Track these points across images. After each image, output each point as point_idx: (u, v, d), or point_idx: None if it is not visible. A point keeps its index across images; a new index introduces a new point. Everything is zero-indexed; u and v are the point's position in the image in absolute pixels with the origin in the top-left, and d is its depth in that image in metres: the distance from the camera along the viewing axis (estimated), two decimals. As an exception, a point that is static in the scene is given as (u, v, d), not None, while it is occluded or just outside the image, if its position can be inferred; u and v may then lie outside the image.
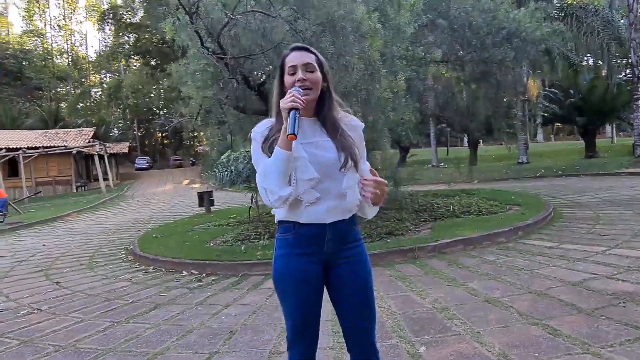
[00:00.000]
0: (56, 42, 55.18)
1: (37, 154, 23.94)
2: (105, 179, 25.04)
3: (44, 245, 8.95)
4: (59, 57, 54.79)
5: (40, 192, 23.14)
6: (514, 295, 3.78)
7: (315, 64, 1.70)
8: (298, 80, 1.65)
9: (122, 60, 46.44)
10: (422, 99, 9.50)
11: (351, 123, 1.78)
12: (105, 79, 51.81)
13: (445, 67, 9.75)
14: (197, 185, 22.92)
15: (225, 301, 4.38)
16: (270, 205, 1.65)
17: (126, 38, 41.67)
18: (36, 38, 51.58)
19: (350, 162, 1.66)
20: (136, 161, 42.50)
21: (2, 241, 10.09)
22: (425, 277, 4.59)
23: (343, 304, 1.76)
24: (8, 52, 41.00)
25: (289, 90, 1.61)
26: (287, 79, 1.69)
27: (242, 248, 6.09)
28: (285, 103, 1.56)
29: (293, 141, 1.58)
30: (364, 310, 1.76)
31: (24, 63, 42.70)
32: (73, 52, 56.46)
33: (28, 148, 24.59)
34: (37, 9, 54.65)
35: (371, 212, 1.83)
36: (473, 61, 8.52)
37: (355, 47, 4.36)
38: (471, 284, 4.20)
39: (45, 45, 52.28)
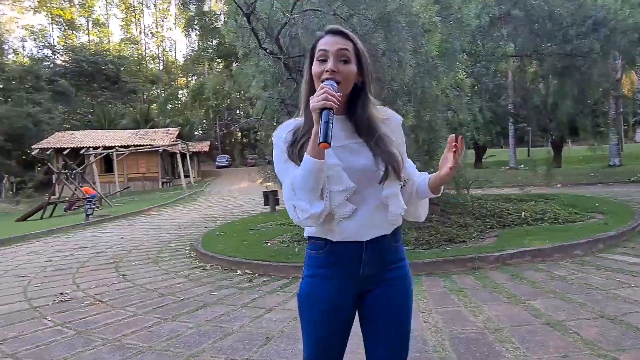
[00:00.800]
0: (149, 48, 59.63)
1: (128, 152, 25.99)
2: (187, 176, 26.54)
3: (122, 238, 9.59)
4: (151, 62, 59.16)
5: (129, 187, 25.01)
6: (582, 320, 3.32)
7: (353, 53, 1.40)
8: (326, 71, 1.35)
9: (206, 63, 48.98)
10: (495, 95, 8.86)
11: (388, 119, 1.49)
12: (191, 81, 54.97)
13: (519, 62, 8.99)
14: (269, 184, 23.50)
15: (270, 305, 4.34)
16: (301, 224, 1.41)
17: (209, 43, 43.90)
18: (132, 45, 56.09)
19: (391, 173, 1.39)
20: (217, 159, 44.57)
21: (88, 233, 10.98)
22: (483, 291, 4.21)
23: (372, 337, 1.51)
24: (107, 58, 44.89)
25: (321, 85, 1.31)
26: (316, 67, 1.39)
27: (296, 250, 6.04)
28: (316, 101, 1.26)
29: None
30: (395, 346, 1.49)
31: (121, 68, 46.53)
32: (164, 57, 60.70)
33: (121, 146, 26.80)
34: (133, 19, 59.38)
35: (424, 209, 1.57)
36: (554, 55, 7.76)
37: (410, 43, 4.10)
38: (533, 303, 3.77)
39: (139, 52, 56.70)
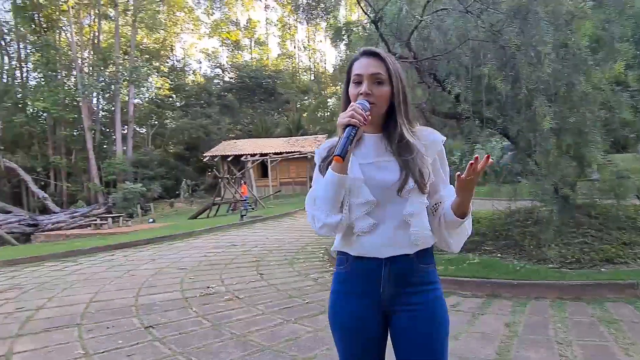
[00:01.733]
0: (302, 61, 63.63)
1: (280, 159, 28.13)
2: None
3: (267, 238, 10.38)
4: (304, 73, 63.15)
5: (280, 190, 26.96)
6: None
7: (386, 75, 1.43)
8: (360, 94, 1.40)
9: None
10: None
11: (428, 138, 1.45)
12: (339, 89, 57.20)
13: None
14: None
15: (389, 316, 4.23)
16: (317, 233, 1.45)
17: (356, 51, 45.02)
18: (287, 59, 60.61)
19: (410, 182, 1.34)
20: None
21: (242, 232, 12.14)
22: (643, 326, 3.49)
23: None
24: (266, 73, 49.23)
25: (352, 103, 1.38)
26: (352, 89, 1.45)
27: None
28: (342, 117, 1.34)
29: (349, 163, 1.36)
30: None
31: (277, 81, 50.59)
32: (315, 68, 64.25)
33: (274, 154, 29.13)
34: (289, 35, 64.15)
35: (456, 239, 1.47)
36: None
37: (550, 35, 3.58)
38: None
39: (293, 65, 60.97)
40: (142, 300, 5.38)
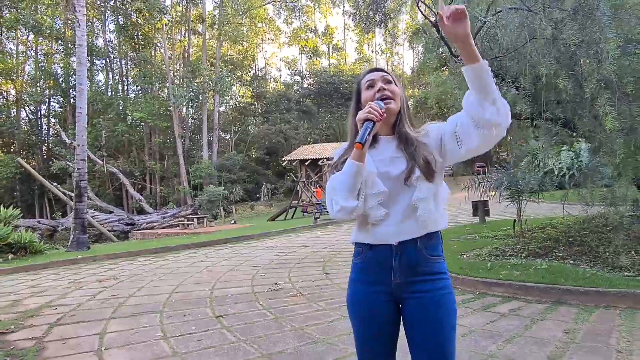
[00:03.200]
0: (379, 65, 63.50)
1: (356, 162, 28.40)
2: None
3: (337, 240, 10.63)
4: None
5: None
6: None
7: (393, 80, 1.67)
8: (378, 91, 1.61)
9: (431, 73, 49.38)
10: None
11: (425, 129, 1.63)
12: (416, 92, 56.22)
13: None
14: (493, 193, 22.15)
15: (445, 317, 4.25)
16: (334, 216, 1.60)
17: (435, 52, 44.07)
18: (364, 63, 60.74)
19: (417, 172, 1.50)
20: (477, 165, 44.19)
21: (313, 234, 12.52)
22: None
23: (412, 350, 1.56)
24: (343, 78, 49.83)
25: (369, 103, 1.55)
26: (365, 94, 1.66)
27: (489, 265, 5.68)
28: (361, 113, 1.51)
29: (366, 156, 1.54)
30: None
31: (354, 86, 50.99)
32: (393, 71, 63.78)
33: (350, 157, 29.47)
34: (366, 40, 64.29)
35: (483, 95, 1.39)
36: None
37: (611, 31, 3.40)
38: None
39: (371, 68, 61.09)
40: (216, 293, 5.86)
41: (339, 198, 1.53)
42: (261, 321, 4.50)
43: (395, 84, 1.66)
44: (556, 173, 17.79)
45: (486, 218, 10.59)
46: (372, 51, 64.98)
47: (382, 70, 1.70)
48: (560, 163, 16.98)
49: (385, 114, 1.53)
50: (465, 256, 6.61)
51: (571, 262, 5.51)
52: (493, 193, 7.36)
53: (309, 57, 58.91)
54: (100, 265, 9.12)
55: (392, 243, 1.54)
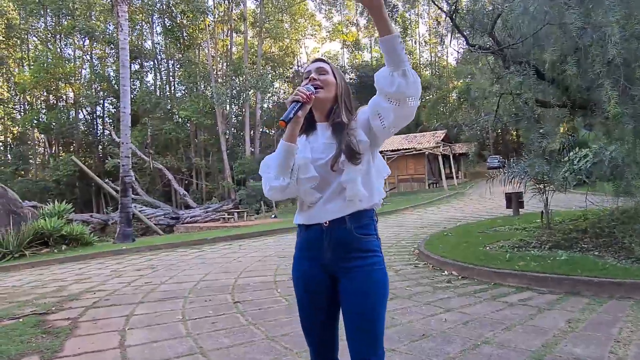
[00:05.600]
0: (422, 56, 62.28)
1: (396, 156, 28.14)
2: (450, 177, 26.72)
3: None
4: (425, 68, 61.72)
5: (394, 187, 26.94)
6: None
7: (329, 70, 1.75)
8: (309, 80, 1.71)
9: (473, 64, 47.90)
10: None
11: (358, 113, 1.72)
12: (460, 83, 54.79)
13: None
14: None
15: (452, 306, 4.29)
16: (267, 195, 1.72)
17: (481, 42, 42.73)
18: (408, 55, 59.89)
19: (342, 157, 1.60)
20: (488, 160, 43.00)
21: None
22: None
23: (344, 319, 1.68)
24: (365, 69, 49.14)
25: (297, 87, 1.66)
26: (302, 83, 1.73)
27: (507, 256, 5.61)
28: (290, 97, 1.61)
29: (302, 139, 1.70)
30: (359, 332, 1.61)
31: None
32: (438, 62, 62.35)
33: (391, 151, 29.24)
34: (409, 31, 63.20)
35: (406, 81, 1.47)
36: None
37: (615, 13, 3.27)
38: None
39: (414, 60, 59.92)
40: (240, 282, 6.14)
41: (271, 176, 1.66)
42: (275, 307, 4.71)
43: (334, 74, 1.74)
44: (606, 163, 16.96)
45: (520, 210, 10.31)
46: (416, 42, 63.82)
47: (320, 60, 1.78)
48: (607, 152, 16.15)
49: (313, 96, 1.62)
50: (488, 247, 6.54)
51: (595, 253, 5.35)
52: (519, 184, 7.19)
53: (351, 51, 58.74)
54: (141, 255, 9.69)
55: (321, 222, 1.66)
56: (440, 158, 27.47)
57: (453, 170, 29.23)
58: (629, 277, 4.17)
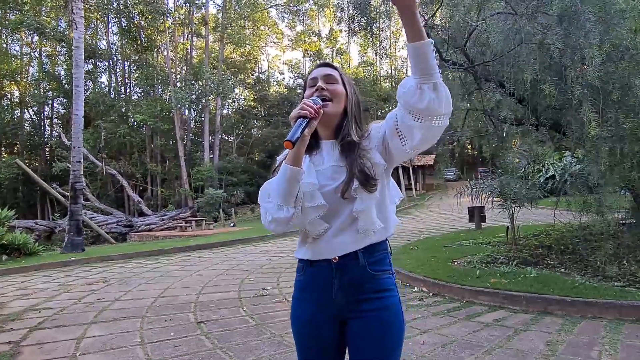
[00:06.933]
0: (382, 68, 63.45)
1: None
2: (410, 189, 27.14)
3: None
4: (386, 81, 62.87)
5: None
6: None
7: (339, 79, 1.50)
8: (316, 90, 1.46)
9: (443, 79, 49.17)
10: None
11: (370, 131, 1.48)
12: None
13: None
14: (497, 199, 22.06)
15: (427, 327, 4.17)
16: (268, 228, 1.47)
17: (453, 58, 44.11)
18: (368, 67, 60.78)
19: (355, 183, 1.36)
20: (445, 172, 44.10)
21: (309, 238, 12.43)
22: None
23: None
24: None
25: (303, 100, 1.42)
26: (307, 93, 1.50)
27: (477, 272, 5.59)
28: (294, 111, 1.37)
29: (304, 166, 1.42)
30: None
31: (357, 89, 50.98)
32: (397, 75, 63.68)
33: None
34: (370, 44, 64.29)
35: (437, 99, 1.24)
36: None
37: (594, 36, 3.31)
38: None
39: (375, 72, 60.96)
40: (202, 298, 5.80)
41: (273, 207, 1.41)
42: (242, 328, 4.43)
43: (344, 83, 1.50)
44: (558, 179, 17.66)
45: (482, 224, 10.49)
46: (376, 54, 64.92)
47: (328, 65, 1.54)
48: (562, 169, 16.86)
49: (321, 110, 1.38)
50: (456, 263, 6.52)
51: (562, 270, 5.42)
52: (485, 199, 7.26)
53: (313, 60, 58.97)
54: (92, 267, 9.08)
55: (330, 258, 1.43)
56: (400, 169, 27.87)
57: (412, 181, 29.72)
58: (600, 297, 4.21)
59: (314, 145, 1.49)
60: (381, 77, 61.60)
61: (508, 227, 7.23)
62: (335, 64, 1.61)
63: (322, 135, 1.51)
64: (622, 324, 3.84)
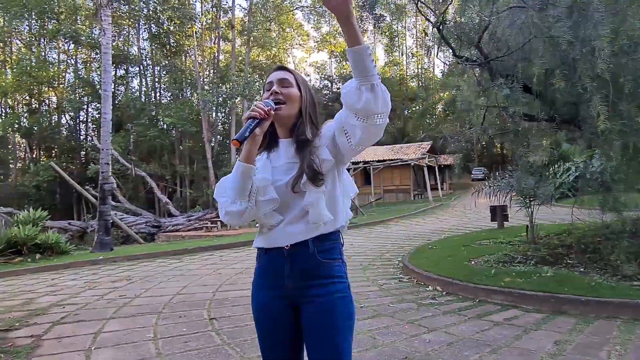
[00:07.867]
0: (409, 68, 62.83)
1: (382, 166, 28.12)
2: (435, 189, 26.78)
3: (351, 244, 10.54)
4: (412, 80, 62.23)
5: (381, 198, 26.90)
6: None
7: (293, 82, 1.59)
8: (271, 94, 1.55)
9: (459, 76, 48.44)
10: None
11: (322, 129, 1.57)
12: (446, 95, 55.32)
13: None
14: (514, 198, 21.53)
15: (436, 325, 4.14)
16: (223, 221, 1.59)
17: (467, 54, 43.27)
18: (394, 67, 60.30)
19: (304, 178, 1.46)
20: (473, 172, 43.32)
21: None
22: None
23: (308, 354, 1.53)
24: (372, 82, 49.62)
25: (255, 102, 1.56)
26: (264, 96, 1.59)
27: (492, 271, 5.49)
28: (246, 113, 1.46)
29: (262, 157, 1.57)
30: None
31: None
32: (424, 74, 62.92)
33: (377, 161, 29.21)
34: (396, 43, 63.78)
35: (375, 100, 1.34)
36: None
37: (604, 28, 3.21)
38: None
39: (401, 72, 60.42)
40: (218, 296, 5.92)
41: (227, 201, 1.52)
42: (252, 325, 4.46)
43: (298, 86, 1.59)
44: (587, 177, 17.11)
45: (505, 223, 10.27)
46: (402, 54, 64.35)
47: (283, 69, 1.63)
48: (592, 167, 16.31)
49: (272, 112, 1.47)
50: (473, 262, 6.42)
51: (581, 269, 5.26)
52: (503, 197, 7.11)
53: (339, 61, 58.97)
54: (118, 266, 9.38)
55: (283, 246, 1.52)
56: (425, 169, 27.55)
57: (438, 181, 29.32)
58: (616, 296, 4.08)
59: (273, 143, 1.61)
60: (407, 77, 61.02)
61: (527, 226, 7.06)
62: (290, 66, 1.69)
63: (280, 134, 1.62)
64: (637, 324, 3.71)
